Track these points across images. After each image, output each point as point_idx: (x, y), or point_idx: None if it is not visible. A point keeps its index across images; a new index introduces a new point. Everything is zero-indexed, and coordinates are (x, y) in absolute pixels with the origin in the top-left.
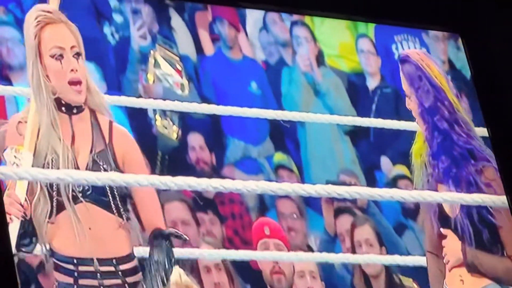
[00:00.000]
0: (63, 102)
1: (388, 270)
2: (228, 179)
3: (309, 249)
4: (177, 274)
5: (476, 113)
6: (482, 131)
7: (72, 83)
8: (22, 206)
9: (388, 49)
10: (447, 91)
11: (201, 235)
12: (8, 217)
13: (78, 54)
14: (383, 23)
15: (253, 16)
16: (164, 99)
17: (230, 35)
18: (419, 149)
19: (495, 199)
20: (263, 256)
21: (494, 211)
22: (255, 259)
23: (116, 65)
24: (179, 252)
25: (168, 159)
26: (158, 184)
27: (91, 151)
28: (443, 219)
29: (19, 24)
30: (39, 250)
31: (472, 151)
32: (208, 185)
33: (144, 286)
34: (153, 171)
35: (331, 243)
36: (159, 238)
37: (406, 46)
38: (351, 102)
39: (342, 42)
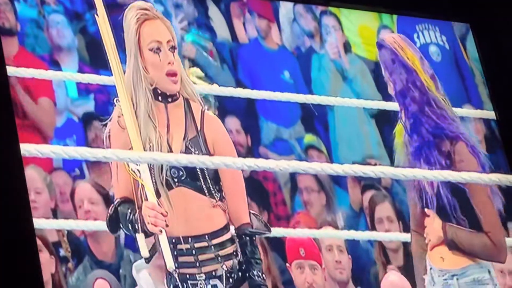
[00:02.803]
0: (159, 92)
1: (406, 244)
2: (261, 159)
3: (334, 224)
4: None
5: (486, 100)
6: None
7: (169, 74)
8: (163, 215)
9: (409, 38)
10: (419, 72)
11: None
12: (156, 229)
13: (173, 48)
14: (394, 13)
15: (285, 8)
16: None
17: (261, 25)
18: (400, 129)
19: (474, 176)
20: (295, 233)
21: (469, 188)
22: (287, 235)
23: None
24: None
25: None
26: (196, 162)
27: (184, 138)
28: (425, 198)
29: (68, 13)
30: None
31: (441, 132)
32: (243, 164)
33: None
34: None
35: (355, 218)
36: (245, 236)
37: (427, 35)
38: (376, 88)
39: (366, 32)
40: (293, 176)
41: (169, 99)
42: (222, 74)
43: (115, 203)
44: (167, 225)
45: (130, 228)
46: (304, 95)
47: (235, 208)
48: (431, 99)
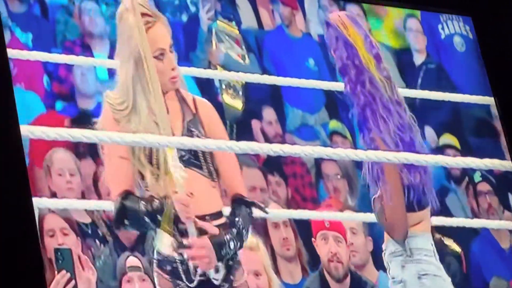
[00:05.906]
0: None
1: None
2: (287, 144)
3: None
4: (254, 242)
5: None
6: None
7: (173, 78)
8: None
9: (434, 28)
10: (359, 48)
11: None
12: (191, 219)
13: (172, 48)
14: (394, 6)
15: None
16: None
17: (285, 13)
18: None
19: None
20: (321, 216)
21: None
22: (312, 218)
23: (186, 42)
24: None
25: (236, 128)
26: (224, 147)
27: (183, 120)
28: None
29: None
30: None
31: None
32: (269, 149)
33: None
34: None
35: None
36: (241, 204)
37: (451, 25)
38: (400, 75)
39: (389, 19)
40: (317, 162)
41: (164, 91)
42: (250, 70)
43: (119, 198)
44: None
45: (148, 220)
46: (329, 82)
47: (232, 183)
48: (367, 78)
